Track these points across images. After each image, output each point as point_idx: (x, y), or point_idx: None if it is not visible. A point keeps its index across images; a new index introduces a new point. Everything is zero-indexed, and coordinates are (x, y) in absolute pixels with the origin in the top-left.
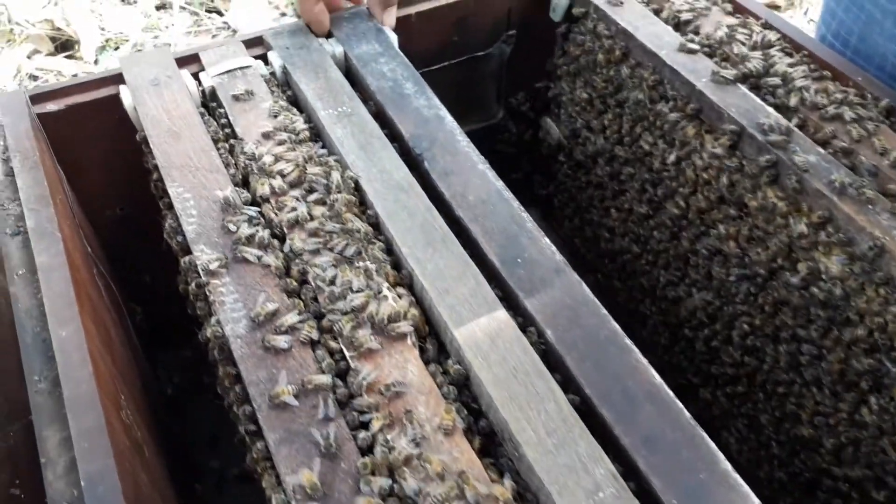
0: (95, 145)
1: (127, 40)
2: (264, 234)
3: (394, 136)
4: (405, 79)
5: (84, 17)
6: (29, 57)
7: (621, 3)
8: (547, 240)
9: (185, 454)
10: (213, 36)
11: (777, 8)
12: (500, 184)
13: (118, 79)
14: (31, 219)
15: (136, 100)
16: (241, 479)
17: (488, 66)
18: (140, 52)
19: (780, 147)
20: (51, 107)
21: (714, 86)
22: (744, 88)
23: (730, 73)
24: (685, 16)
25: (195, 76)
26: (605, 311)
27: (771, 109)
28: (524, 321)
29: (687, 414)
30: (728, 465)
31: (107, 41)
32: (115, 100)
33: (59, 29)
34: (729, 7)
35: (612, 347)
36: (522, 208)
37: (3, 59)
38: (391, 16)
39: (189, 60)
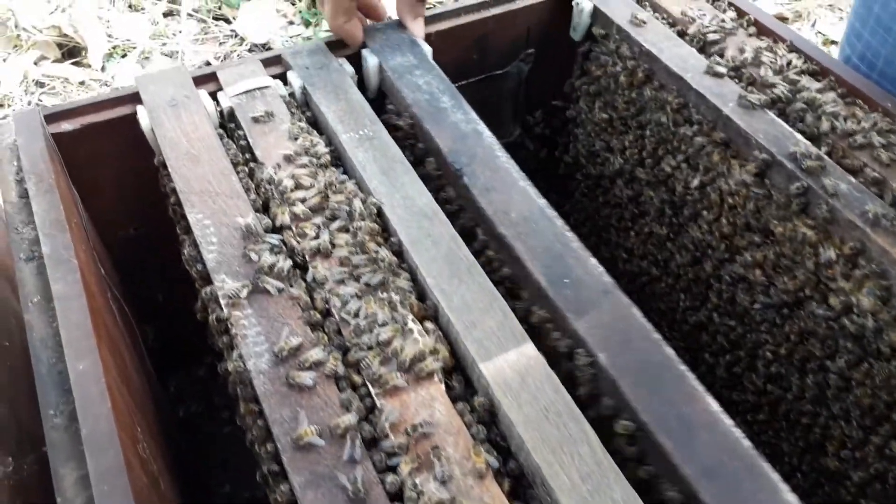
0: (110, 164)
1: (134, 47)
2: (286, 263)
3: (430, 150)
4: (441, 92)
5: (91, 24)
6: (36, 63)
7: (644, 23)
8: (594, 260)
9: (196, 478)
10: (221, 44)
11: (784, 20)
12: (542, 201)
13: (134, 98)
14: (46, 245)
15: (154, 121)
16: None
17: (506, 85)
18: (157, 71)
19: (810, 175)
20: (65, 126)
21: (741, 111)
22: (771, 114)
23: (756, 97)
24: (710, 37)
25: (213, 95)
26: (657, 335)
27: (800, 136)
28: (573, 343)
29: (745, 442)
30: (791, 497)
31: (114, 48)
32: (131, 119)
33: (66, 35)
34: (754, 29)
35: (666, 373)
36: (567, 227)
37: (10, 65)
38: (421, 27)
39: (206, 79)
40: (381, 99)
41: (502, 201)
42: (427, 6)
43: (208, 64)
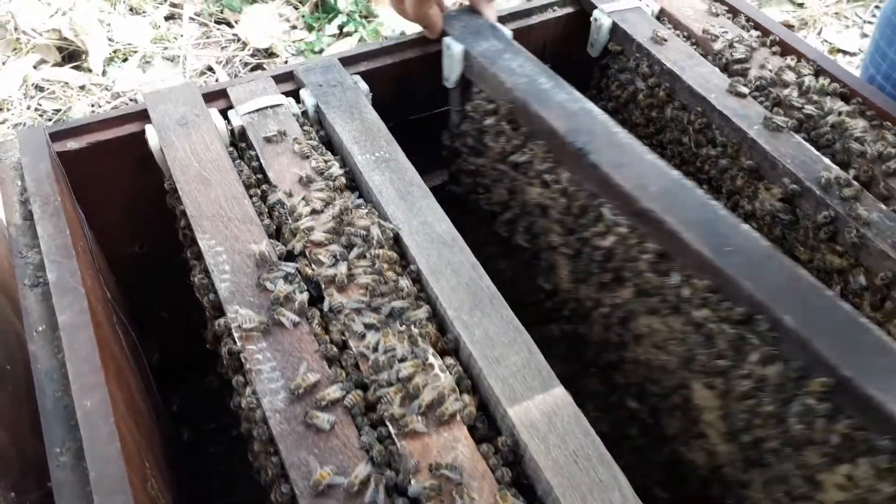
0: (116, 183)
1: (136, 51)
2: (302, 296)
3: (538, 133)
4: (537, 74)
5: (92, 28)
6: (35, 67)
7: (665, 40)
8: (746, 225)
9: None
10: (223, 48)
11: (791, 28)
12: (676, 173)
13: (141, 115)
14: (52, 272)
15: (164, 141)
16: None
17: None
18: (166, 88)
19: (840, 203)
20: (71, 144)
21: (767, 134)
22: (798, 137)
23: (782, 119)
24: (733, 56)
25: (223, 113)
26: (830, 293)
27: (828, 160)
28: (751, 309)
29: None
30: None
31: (115, 52)
32: (138, 137)
33: (66, 39)
34: (778, 48)
35: (852, 328)
36: (708, 195)
37: (9, 69)
38: (494, 10)
39: (216, 96)
40: (463, 87)
41: (637, 176)
42: None
43: (210, 69)
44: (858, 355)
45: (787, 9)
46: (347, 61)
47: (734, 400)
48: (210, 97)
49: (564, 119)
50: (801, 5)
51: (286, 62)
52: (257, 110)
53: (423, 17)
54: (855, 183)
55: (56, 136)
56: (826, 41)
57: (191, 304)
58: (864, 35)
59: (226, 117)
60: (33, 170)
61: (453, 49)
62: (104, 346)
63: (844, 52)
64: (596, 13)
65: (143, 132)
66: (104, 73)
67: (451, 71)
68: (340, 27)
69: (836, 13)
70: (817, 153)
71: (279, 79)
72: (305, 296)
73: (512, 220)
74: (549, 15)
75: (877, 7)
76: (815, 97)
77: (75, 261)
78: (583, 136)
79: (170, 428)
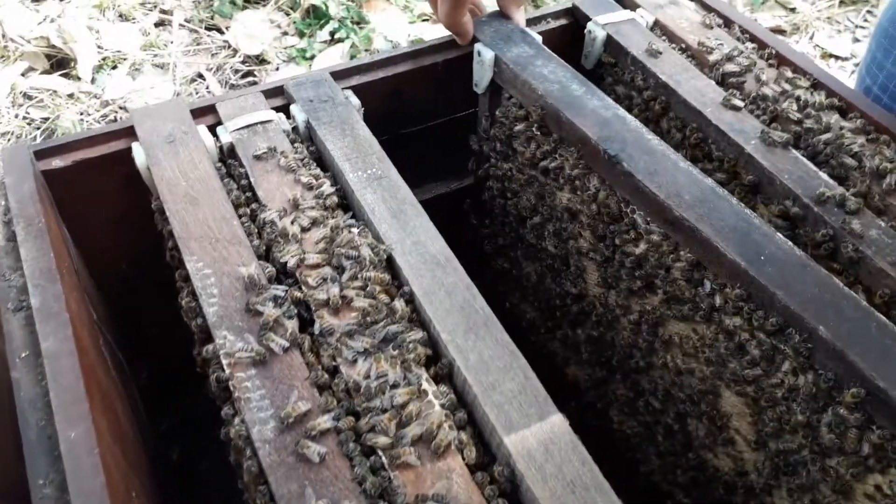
0: (102, 200)
1: (125, 59)
2: (292, 322)
3: (571, 139)
4: (569, 80)
5: (81, 35)
6: (23, 75)
7: (659, 53)
8: (780, 235)
9: None
10: (213, 55)
11: (783, 33)
12: (709, 181)
13: (128, 132)
14: (36, 297)
15: (151, 159)
16: None
17: None
18: (154, 104)
19: (836, 221)
20: (56, 162)
21: (764, 149)
22: (795, 152)
23: (779, 134)
24: (729, 69)
25: (212, 129)
26: (865, 304)
27: (825, 176)
28: (785, 319)
29: None
30: None
31: (104, 59)
32: (125, 154)
33: (54, 46)
34: (774, 60)
35: (886, 339)
36: (742, 204)
37: None
38: (523, 16)
39: (205, 112)
40: (492, 93)
41: (671, 184)
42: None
43: (200, 76)
44: (892, 366)
45: (778, 13)
46: (338, 75)
47: (764, 408)
48: (198, 113)
49: (597, 126)
50: (792, 10)
51: (277, 69)
52: (247, 126)
53: (455, 24)
54: (853, 199)
55: (41, 154)
56: (818, 46)
57: (179, 321)
58: (857, 40)
59: (214, 133)
60: (17, 190)
61: (484, 55)
62: (89, 374)
63: (836, 57)
64: (590, 25)
65: (129, 149)
66: (93, 80)
67: (482, 77)
68: (332, 33)
69: (828, 18)
70: (815, 168)
71: (269, 94)
72: (295, 322)
73: (540, 224)
74: (543, 27)
75: (868, 12)
76: (813, 111)
77: (59, 284)
78: (616, 144)
79: (158, 448)
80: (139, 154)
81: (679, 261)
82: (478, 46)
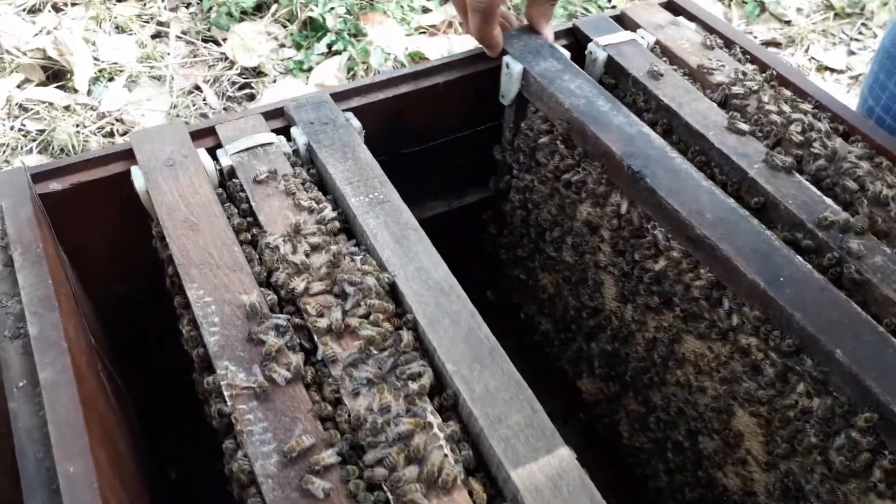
0: (100, 223)
1: (122, 71)
2: (296, 354)
3: (595, 154)
4: (595, 96)
5: (77, 46)
6: (19, 87)
7: (661, 75)
8: (800, 258)
9: None
10: (210, 66)
11: (778, 45)
12: (731, 201)
13: (127, 154)
14: (33, 325)
15: (150, 183)
16: None
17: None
18: (153, 126)
19: (842, 245)
20: (54, 185)
21: (768, 173)
22: (799, 177)
23: (782, 158)
24: (731, 91)
25: (212, 152)
26: (882, 329)
27: (830, 201)
28: (802, 341)
29: None
30: None
31: (100, 71)
32: (123, 177)
33: (50, 58)
34: (776, 82)
35: None
36: (763, 226)
37: None
38: (551, 31)
39: (204, 134)
40: (518, 105)
41: (693, 202)
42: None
43: (197, 88)
44: None
45: (774, 26)
46: (339, 97)
47: (777, 429)
48: (198, 135)
49: (622, 142)
50: (787, 23)
51: (274, 81)
52: (247, 149)
53: (486, 37)
54: (857, 225)
55: (38, 178)
56: (813, 58)
57: (176, 341)
58: (852, 52)
59: (214, 156)
60: (14, 214)
61: (513, 68)
62: (88, 405)
63: (832, 70)
64: (591, 46)
65: (128, 172)
66: (89, 92)
67: (509, 89)
68: (329, 46)
69: (823, 31)
70: (819, 193)
71: (269, 115)
72: (301, 355)
73: (559, 237)
74: None
75: (863, 25)
76: (816, 135)
77: (58, 313)
78: (640, 160)
79: (155, 467)
80: (138, 178)
81: (698, 279)
82: (507, 59)
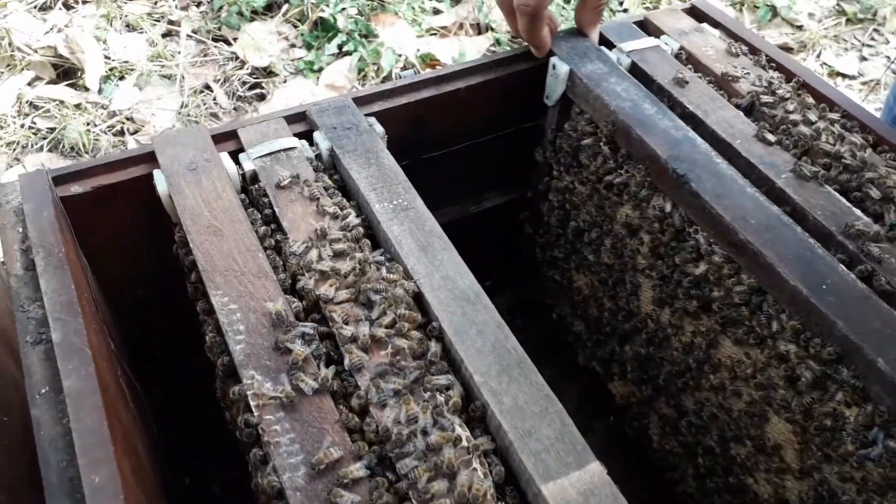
0: (121, 227)
1: (132, 69)
2: (322, 363)
3: (639, 157)
4: (641, 99)
5: (88, 45)
6: (30, 84)
7: (686, 82)
8: (843, 266)
9: None
10: (220, 66)
11: (790, 50)
12: (775, 208)
13: (148, 158)
14: (56, 331)
15: (173, 187)
16: None
17: (535, 137)
18: (175, 130)
19: (873, 258)
20: (75, 188)
21: (796, 183)
22: (827, 187)
23: (810, 168)
24: (757, 99)
25: (234, 156)
26: None
27: (858, 212)
28: (842, 350)
29: None
30: None
31: (111, 70)
32: (144, 180)
33: (61, 56)
34: (803, 91)
35: None
36: (806, 233)
37: (3, 86)
38: (597, 35)
39: (226, 138)
40: (562, 106)
41: (737, 208)
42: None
43: (208, 87)
44: None
45: (785, 31)
46: (361, 101)
47: (812, 436)
48: (220, 139)
49: (667, 145)
50: (800, 27)
51: (285, 81)
52: (270, 154)
53: (534, 37)
54: (885, 234)
55: (59, 180)
56: (825, 64)
57: (194, 345)
58: (864, 58)
59: (236, 160)
60: (36, 218)
61: (559, 69)
62: (112, 413)
63: (843, 76)
64: (614, 52)
65: (149, 175)
66: (100, 91)
67: (554, 90)
68: (340, 46)
69: (835, 36)
70: (847, 204)
71: (291, 119)
72: (331, 370)
73: (598, 238)
74: None
75: (875, 30)
76: (845, 145)
77: (81, 318)
78: (685, 164)
79: (171, 472)
80: (161, 182)
81: (739, 284)
82: (553, 60)
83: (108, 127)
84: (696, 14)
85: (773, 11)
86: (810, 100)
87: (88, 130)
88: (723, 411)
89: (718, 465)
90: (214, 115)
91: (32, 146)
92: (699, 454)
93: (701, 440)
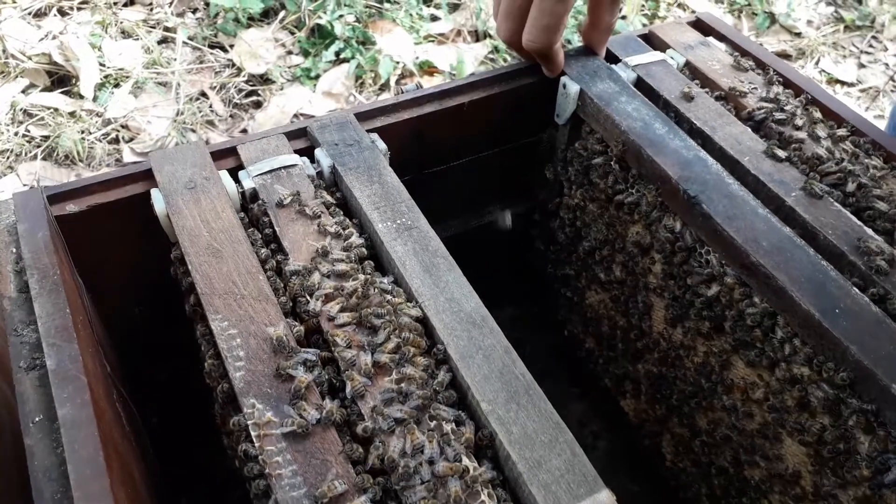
0: (117, 246)
1: (128, 77)
2: (328, 399)
3: (651, 177)
4: (652, 118)
5: (83, 52)
6: (24, 92)
7: (692, 97)
8: (855, 289)
9: None
10: (217, 73)
11: (788, 57)
12: (787, 229)
13: (145, 175)
14: (51, 357)
15: (171, 207)
16: None
17: (538, 152)
18: (173, 147)
19: (886, 279)
20: (70, 207)
21: (806, 201)
22: (838, 205)
23: (820, 186)
24: (764, 115)
25: (233, 173)
26: None
27: (870, 231)
28: (856, 375)
29: None
30: None
31: (106, 77)
32: (142, 199)
33: (56, 63)
34: (812, 107)
35: None
36: (819, 255)
37: None
38: (604, 49)
39: (225, 155)
40: (573, 125)
41: (749, 229)
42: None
43: (203, 95)
44: None
45: (784, 38)
46: (362, 116)
47: (826, 460)
48: (219, 155)
49: (678, 166)
50: (798, 35)
51: (282, 88)
52: (270, 171)
53: (555, 53)
54: None
55: (54, 199)
56: (824, 71)
57: (190, 365)
58: (862, 65)
59: (235, 177)
60: (31, 239)
61: (570, 88)
62: (107, 441)
63: (842, 83)
64: (619, 66)
65: (146, 194)
66: (95, 98)
67: (565, 109)
68: (337, 53)
69: (834, 43)
70: (859, 223)
71: (291, 135)
72: (335, 403)
73: (609, 255)
74: None
75: (874, 38)
76: (854, 162)
77: (76, 344)
78: (696, 185)
79: (167, 496)
80: (158, 201)
81: (752, 306)
82: (564, 79)
83: (103, 135)
84: (702, 27)
85: (772, 18)
86: (818, 115)
87: (83, 138)
88: (736, 432)
89: (732, 486)
90: (210, 123)
91: (26, 154)
92: (713, 474)
93: (714, 460)
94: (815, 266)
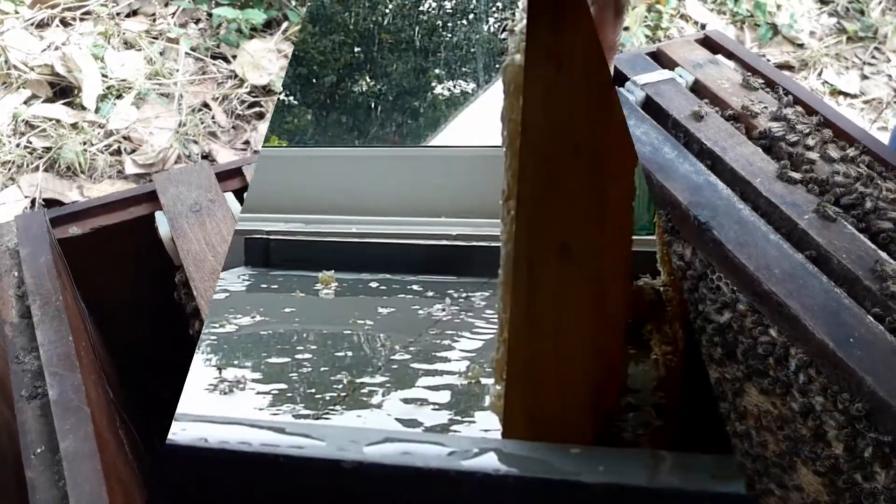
0: (120, 267)
1: (130, 88)
2: None
3: (660, 203)
4: (661, 143)
5: (85, 63)
6: (26, 103)
7: (703, 116)
8: (870, 317)
9: None
10: (219, 84)
11: (791, 69)
12: (800, 256)
13: (150, 197)
14: (53, 387)
15: (175, 230)
16: None
17: None
18: (177, 168)
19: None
20: (73, 230)
21: (819, 224)
22: (852, 228)
23: (834, 209)
24: (776, 135)
25: (238, 194)
26: None
27: (885, 255)
28: (871, 406)
29: None
30: None
31: (108, 88)
32: (145, 221)
33: (58, 74)
34: (824, 127)
35: None
36: (832, 283)
37: None
38: (611, 69)
39: (231, 175)
40: None
41: (761, 256)
42: None
43: (206, 106)
44: None
45: (787, 49)
46: None
47: (842, 490)
48: (224, 176)
49: (688, 191)
50: (800, 46)
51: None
52: None
53: None
54: None
55: (57, 221)
56: (827, 82)
57: None
58: (865, 77)
59: (241, 199)
60: (33, 264)
61: None
62: (110, 474)
63: (845, 94)
64: (628, 86)
65: (151, 216)
66: (97, 110)
67: None
68: None
69: (836, 54)
70: (873, 247)
71: None
72: None
73: None
74: None
75: (876, 49)
76: (868, 184)
77: (79, 373)
78: (706, 210)
79: None
80: (163, 224)
81: (764, 334)
82: None
83: (105, 146)
84: (710, 45)
85: (774, 30)
86: (830, 134)
87: (85, 150)
88: (750, 460)
89: None
90: (213, 135)
91: (28, 166)
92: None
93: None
94: (829, 294)
